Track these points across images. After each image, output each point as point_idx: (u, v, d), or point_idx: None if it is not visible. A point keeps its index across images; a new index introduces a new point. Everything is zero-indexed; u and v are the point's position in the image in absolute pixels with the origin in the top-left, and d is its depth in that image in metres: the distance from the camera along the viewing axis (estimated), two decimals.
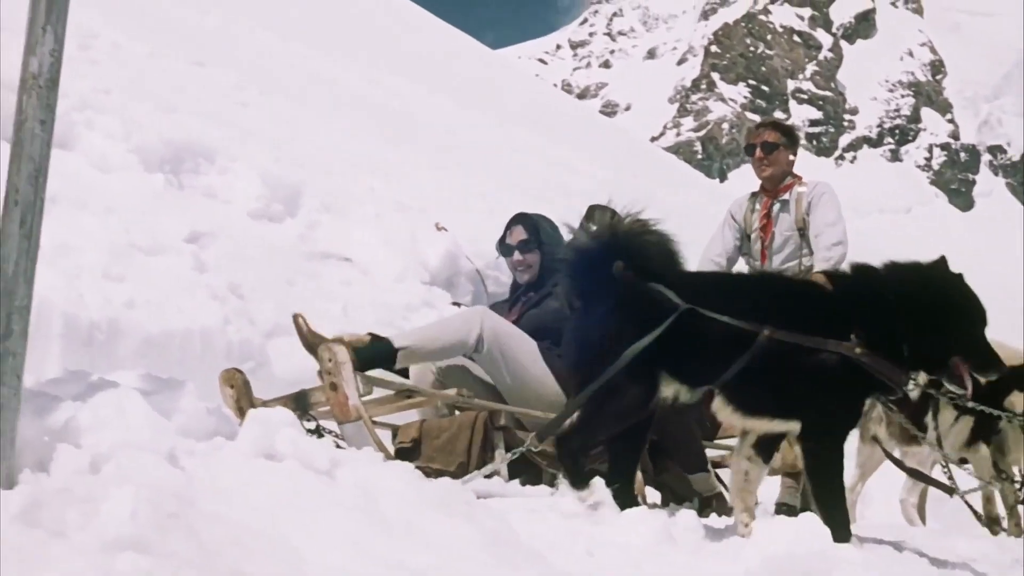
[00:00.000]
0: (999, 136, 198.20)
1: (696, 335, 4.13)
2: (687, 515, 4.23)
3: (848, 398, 4.28)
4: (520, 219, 6.61)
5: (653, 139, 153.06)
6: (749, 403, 4.29)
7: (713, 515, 5.71)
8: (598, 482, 4.29)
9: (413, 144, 17.12)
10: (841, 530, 4.12)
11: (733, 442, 6.88)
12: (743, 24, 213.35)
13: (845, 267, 4.45)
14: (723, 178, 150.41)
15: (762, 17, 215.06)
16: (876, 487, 8.49)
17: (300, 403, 5.54)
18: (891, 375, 4.20)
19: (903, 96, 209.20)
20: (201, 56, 15.28)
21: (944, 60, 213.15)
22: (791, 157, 7.16)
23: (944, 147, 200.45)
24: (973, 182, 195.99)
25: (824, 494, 4.27)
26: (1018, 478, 7.37)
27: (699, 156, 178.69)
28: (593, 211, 7.27)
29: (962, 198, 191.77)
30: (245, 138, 10.98)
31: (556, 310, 6.27)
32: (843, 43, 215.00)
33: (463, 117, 23.35)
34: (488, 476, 5.21)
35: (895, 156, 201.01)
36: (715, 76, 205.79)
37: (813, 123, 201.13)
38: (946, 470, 6.77)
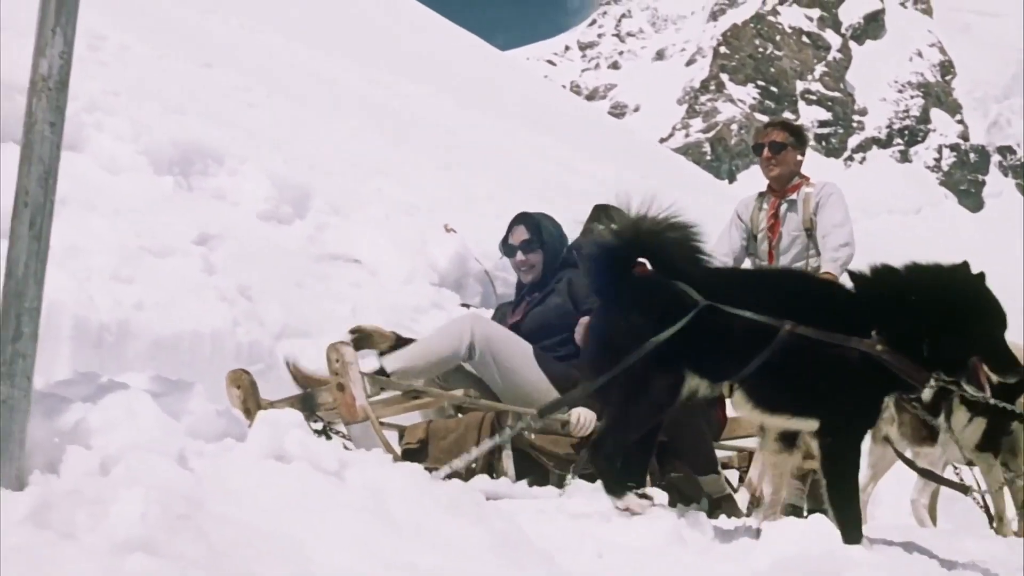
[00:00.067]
0: (1009, 137, 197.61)
1: (718, 330, 4.14)
2: (696, 516, 4.23)
3: (867, 396, 4.30)
4: (522, 219, 6.59)
5: (662, 140, 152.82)
6: (769, 400, 4.30)
7: (722, 516, 5.71)
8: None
9: (422, 146, 17.12)
10: (853, 530, 4.12)
11: (741, 443, 6.89)
12: (752, 25, 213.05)
13: (864, 267, 4.46)
14: (732, 179, 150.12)
15: (771, 18, 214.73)
16: (886, 488, 8.47)
17: (307, 404, 5.56)
18: (912, 373, 4.21)
19: (912, 97, 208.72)
20: (210, 58, 15.31)
21: (953, 61, 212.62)
22: (799, 157, 7.15)
23: (954, 148, 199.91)
24: (983, 183, 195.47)
25: (838, 493, 4.27)
26: None
27: (708, 157, 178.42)
28: (600, 211, 7.25)
29: (972, 199, 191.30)
30: (254, 140, 11.00)
31: (558, 306, 6.28)
32: (852, 44, 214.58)
33: (471, 118, 23.35)
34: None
35: (904, 157, 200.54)
36: (724, 77, 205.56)
37: (822, 124, 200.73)
38: (958, 471, 6.76)
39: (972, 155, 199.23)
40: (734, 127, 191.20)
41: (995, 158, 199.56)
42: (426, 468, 4.10)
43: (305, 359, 6.87)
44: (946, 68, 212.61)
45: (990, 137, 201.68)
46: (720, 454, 6.44)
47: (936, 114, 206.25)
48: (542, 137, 25.53)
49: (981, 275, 4.41)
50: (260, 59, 18.08)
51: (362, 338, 6.65)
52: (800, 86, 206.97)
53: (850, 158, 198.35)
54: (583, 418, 5.78)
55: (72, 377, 3.21)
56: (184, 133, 9.40)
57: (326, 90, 18.33)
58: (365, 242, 9.34)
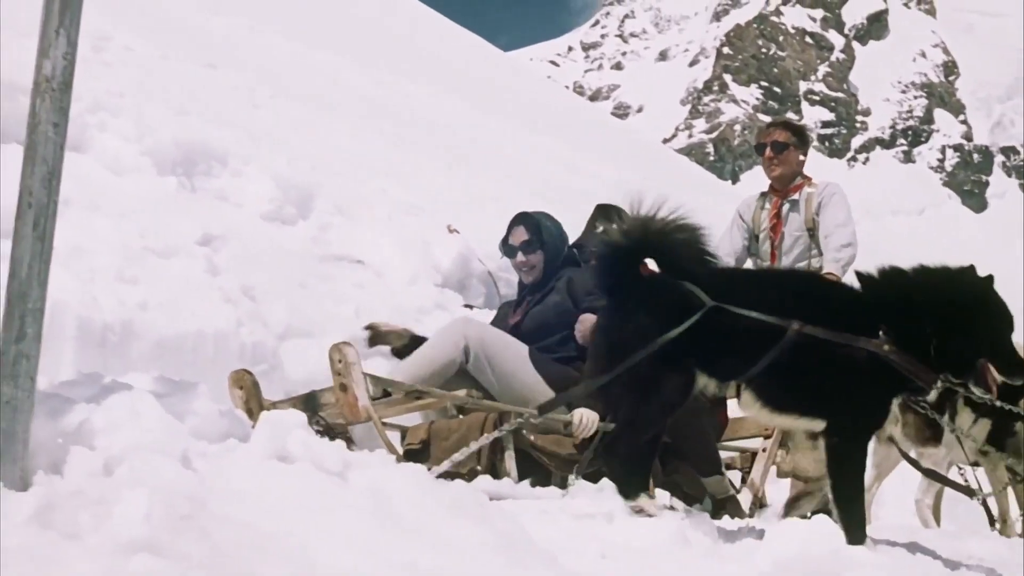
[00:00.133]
0: (1012, 137, 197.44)
1: (726, 330, 4.16)
2: (700, 517, 4.23)
3: (875, 397, 4.31)
4: (521, 219, 6.59)
5: (665, 141, 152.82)
6: (777, 399, 4.31)
7: (726, 517, 5.71)
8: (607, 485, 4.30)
9: (425, 146, 17.11)
10: (857, 530, 4.14)
11: (744, 444, 6.89)
12: (755, 25, 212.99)
13: (872, 268, 4.47)
14: (735, 180, 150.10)
15: (774, 18, 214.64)
16: (889, 488, 8.47)
17: (310, 404, 5.56)
18: (919, 374, 4.23)
19: (916, 97, 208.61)
20: (213, 59, 15.30)
21: (957, 61, 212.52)
22: (801, 157, 7.15)
23: (957, 148, 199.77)
24: (986, 183, 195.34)
25: (843, 492, 4.28)
26: None
27: (711, 158, 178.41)
28: (602, 211, 7.24)
29: (975, 199, 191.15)
30: (257, 141, 10.99)
31: (557, 304, 6.29)
32: (855, 44, 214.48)
33: (474, 119, 23.35)
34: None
35: (908, 157, 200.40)
36: (727, 78, 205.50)
37: (825, 124, 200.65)
38: (962, 472, 6.76)
39: (975, 156, 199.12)
40: (737, 128, 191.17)
41: (999, 158, 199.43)
42: (428, 469, 4.10)
43: (309, 360, 6.89)
44: (949, 68, 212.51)
45: (994, 137, 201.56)
46: (723, 455, 6.44)
47: (939, 114, 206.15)
48: (545, 138, 25.52)
49: (989, 278, 4.44)
50: (264, 60, 18.08)
51: (376, 335, 6.68)
52: (803, 86, 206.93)
53: (853, 159, 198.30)
54: (585, 418, 5.77)
55: (76, 378, 3.21)
56: (188, 134, 9.39)
57: (330, 91, 18.32)
58: (369, 243, 9.34)
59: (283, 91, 15.63)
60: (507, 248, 6.61)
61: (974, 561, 4.59)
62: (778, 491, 7.05)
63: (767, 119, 8.07)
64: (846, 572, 3.57)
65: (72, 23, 2.49)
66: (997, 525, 7.38)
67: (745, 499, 6.39)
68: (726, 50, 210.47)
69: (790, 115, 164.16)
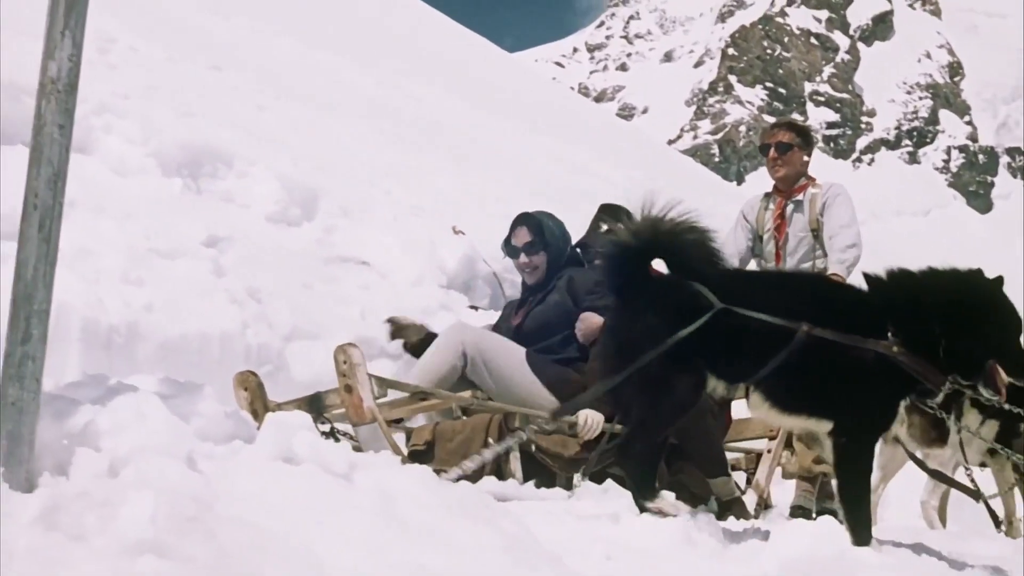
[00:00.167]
0: (1017, 138, 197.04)
1: (735, 332, 4.16)
2: (705, 518, 4.23)
3: (884, 398, 4.31)
4: (524, 220, 6.59)
5: (670, 142, 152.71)
6: (786, 401, 4.32)
7: (731, 518, 5.70)
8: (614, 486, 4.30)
9: (430, 147, 17.11)
10: (862, 530, 4.13)
11: (749, 445, 6.90)
12: (760, 27, 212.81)
13: (880, 270, 4.48)
14: (740, 181, 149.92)
15: (779, 19, 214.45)
16: (895, 489, 8.46)
17: (315, 406, 5.57)
18: (928, 376, 4.24)
19: (921, 98, 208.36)
20: (219, 60, 15.31)
21: (962, 62, 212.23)
22: (805, 158, 7.14)
23: (962, 149, 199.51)
24: (992, 184, 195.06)
25: (850, 492, 4.28)
26: None
27: (716, 159, 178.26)
28: (606, 211, 7.23)
29: (980, 200, 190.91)
30: (262, 142, 10.99)
31: (558, 303, 6.31)
32: (860, 45, 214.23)
33: (479, 120, 23.34)
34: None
35: (913, 158, 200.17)
36: (732, 79, 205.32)
37: (830, 125, 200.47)
38: (969, 473, 6.75)
39: (981, 156, 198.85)
40: (742, 129, 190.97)
41: (1004, 159, 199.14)
42: (433, 470, 4.10)
43: (314, 362, 6.90)
44: (955, 69, 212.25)
45: (999, 138, 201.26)
46: (728, 456, 6.44)
47: (945, 115, 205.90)
48: (550, 139, 25.51)
49: (999, 279, 4.44)
50: (269, 61, 18.09)
51: (397, 328, 6.69)
52: (808, 87, 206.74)
53: (858, 159, 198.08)
54: (590, 420, 5.78)
55: (81, 379, 3.21)
56: (193, 135, 9.39)
57: (335, 92, 18.32)
58: (374, 244, 9.33)
59: (288, 93, 15.63)
60: (510, 249, 6.62)
61: (979, 563, 4.57)
62: (783, 492, 7.05)
63: (772, 120, 8.04)
64: (851, 573, 3.57)
65: (77, 25, 2.50)
66: (1003, 527, 7.36)
67: (750, 500, 6.39)
68: (731, 51, 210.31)
69: (795, 116, 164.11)
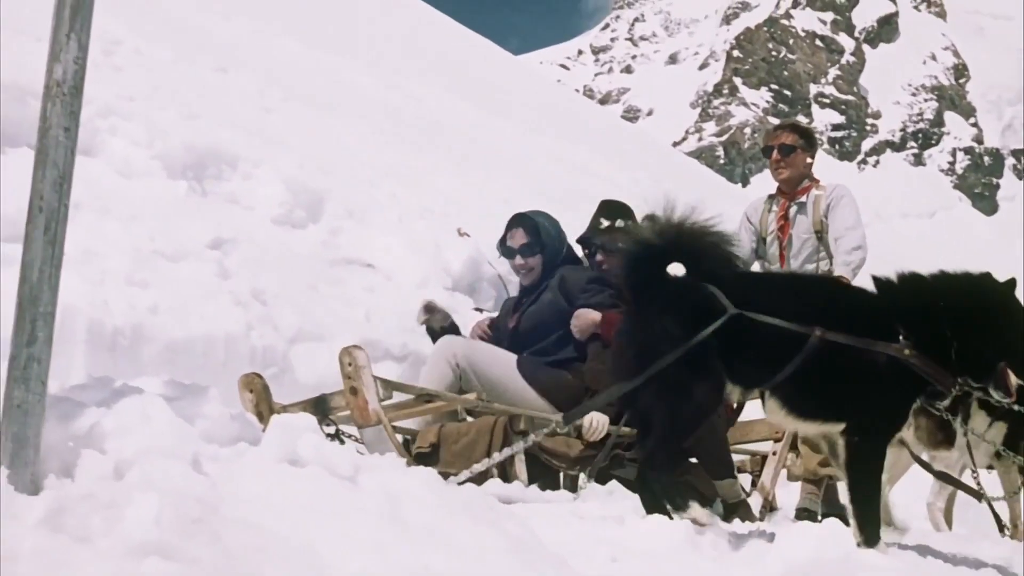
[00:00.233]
0: (1023, 140, 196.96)
1: (750, 336, 4.17)
2: (711, 521, 4.22)
3: (896, 400, 4.33)
4: (520, 221, 6.60)
5: (675, 144, 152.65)
6: (802, 406, 4.33)
7: (736, 521, 5.70)
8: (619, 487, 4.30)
9: (435, 149, 17.12)
10: (871, 529, 4.14)
11: (754, 447, 6.89)
12: (765, 29, 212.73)
13: (891, 273, 4.49)
14: (745, 183, 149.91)
15: (784, 21, 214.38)
16: (900, 492, 8.45)
17: (320, 408, 5.57)
18: (940, 378, 4.26)
19: (926, 100, 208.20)
20: (224, 62, 15.32)
21: (967, 64, 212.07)
22: (808, 160, 7.13)
23: (968, 151, 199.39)
24: (997, 186, 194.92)
25: (860, 491, 4.28)
26: None
27: (721, 161, 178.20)
28: (612, 207, 7.21)
29: (986, 202, 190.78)
30: (268, 144, 10.99)
31: (551, 302, 6.32)
32: (865, 47, 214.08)
33: (484, 122, 23.35)
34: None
35: (918, 160, 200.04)
36: (737, 81, 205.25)
37: (836, 127, 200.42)
38: (975, 475, 6.73)
39: (986, 158, 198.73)
40: (747, 131, 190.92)
41: (1009, 161, 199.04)
42: (439, 472, 4.10)
43: (319, 364, 6.90)
44: (960, 71, 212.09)
45: (1004, 140, 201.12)
46: (735, 458, 6.43)
47: (950, 117, 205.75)
48: (555, 141, 25.52)
49: (1010, 282, 4.45)
50: (274, 63, 18.10)
51: (430, 310, 6.71)
52: (813, 89, 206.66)
53: (864, 161, 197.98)
54: (596, 422, 5.78)
55: (86, 381, 3.21)
56: (198, 137, 9.40)
57: (340, 94, 18.33)
58: (379, 246, 9.34)
59: (293, 94, 15.64)
60: (505, 249, 6.64)
61: (985, 565, 4.57)
62: (788, 494, 7.04)
63: (777, 122, 8.04)
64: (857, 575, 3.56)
65: (83, 27, 2.50)
66: (1008, 530, 7.34)
67: (755, 503, 6.38)
68: (736, 53, 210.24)
69: (800, 118, 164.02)
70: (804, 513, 6.47)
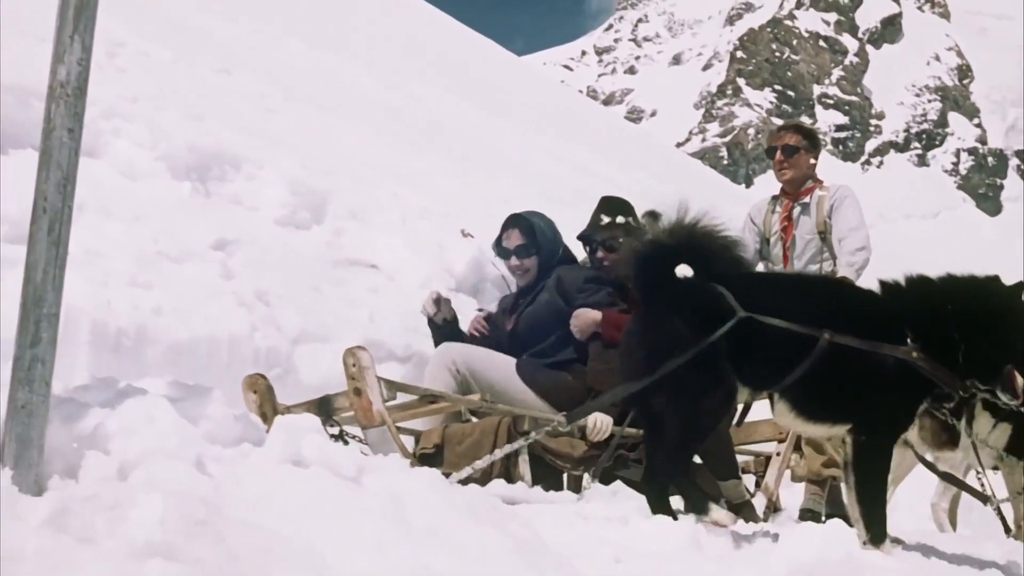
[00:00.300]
0: None
1: (759, 338, 4.17)
2: None
3: (903, 402, 4.34)
4: (515, 222, 6.60)
5: (679, 145, 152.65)
6: (811, 409, 4.33)
7: (740, 522, 5.69)
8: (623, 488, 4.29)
9: (438, 150, 17.12)
10: (877, 528, 4.15)
11: (760, 448, 6.88)
12: (769, 29, 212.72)
13: (899, 276, 4.50)
14: (749, 184, 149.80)
15: (788, 22, 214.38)
16: (905, 492, 8.44)
17: (324, 408, 5.57)
18: (947, 380, 4.28)
19: (930, 101, 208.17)
20: (227, 63, 15.33)
21: (971, 64, 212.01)
22: (812, 161, 7.12)
23: (971, 152, 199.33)
24: (1001, 187, 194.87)
25: (865, 490, 4.30)
26: None
27: (725, 162, 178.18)
28: (611, 203, 7.19)
29: (990, 203, 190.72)
30: (271, 145, 11.00)
31: (548, 303, 6.32)
32: (869, 48, 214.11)
33: (487, 123, 23.36)
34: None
35: (922, 161, 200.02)
36: (741, 81, 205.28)
37: (839, 128, 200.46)
38: (980, 476, 6.72)
39: (990, 159, 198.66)
40: (751, 131, 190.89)
41: (1013, 161, 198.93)
42: (443, 473, 4.10)
43: (322, 365, 6.90)
44: (964, 72, 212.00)
45: (1008, 140, 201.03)
46: (739, 459, 6.43)
47: (954, 118, 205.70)
48: (558, 142, 25.53)
49: (1018, 286, 4.47)
50: (277, 64, 18.11)
51: (438, 303, 6.70)
52: (817, 90, 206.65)
53: (867, 162, 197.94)
54: (600, 423, 5.78)
55: (90, 382, 3.21)
56: (202, 139, 9.41)
57: (343, 95, 18.35)
58: (382, 247, 9.34)
59: (296, 95, 15.66)
60: (500, 250, 6.65)
61: (989, 566, 4.57)
62: (792, 495, 7.04)
63: (781, 123, 8.06)
64: None
65: (87, 29, 2.50)
66: (1012, 531, 7.33)
67: (759, 503, 6.38)
68: (740, 54, 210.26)
69: (804, 119, 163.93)
70: (808, 514, 6.47)
